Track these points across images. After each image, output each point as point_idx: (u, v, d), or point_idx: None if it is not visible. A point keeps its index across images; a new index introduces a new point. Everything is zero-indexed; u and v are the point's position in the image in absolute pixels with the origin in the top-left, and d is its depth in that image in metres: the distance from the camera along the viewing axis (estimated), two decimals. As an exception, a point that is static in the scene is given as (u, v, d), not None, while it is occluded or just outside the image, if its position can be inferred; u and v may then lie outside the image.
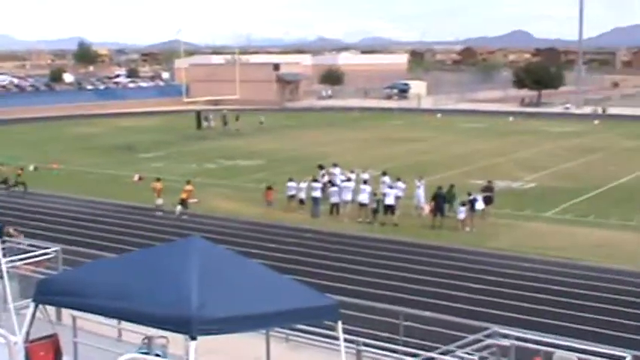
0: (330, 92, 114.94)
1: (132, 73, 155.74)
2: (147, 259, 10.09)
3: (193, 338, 8.33)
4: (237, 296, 9.17)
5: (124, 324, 12.53)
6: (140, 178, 41.40)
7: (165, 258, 9.83)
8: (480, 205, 30.95)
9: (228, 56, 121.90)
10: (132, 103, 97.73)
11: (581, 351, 11.95)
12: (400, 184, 33.36)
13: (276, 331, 13.37)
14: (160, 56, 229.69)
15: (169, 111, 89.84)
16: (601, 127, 72.51)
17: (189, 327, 8.44)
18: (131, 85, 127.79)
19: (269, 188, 34.25)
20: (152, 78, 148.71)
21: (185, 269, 9.27)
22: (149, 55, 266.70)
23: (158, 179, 35.40)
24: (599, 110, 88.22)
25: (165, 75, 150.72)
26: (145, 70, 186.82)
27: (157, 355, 10.63)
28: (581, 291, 22.25)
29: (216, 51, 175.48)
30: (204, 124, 71.72)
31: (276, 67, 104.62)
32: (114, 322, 12.42)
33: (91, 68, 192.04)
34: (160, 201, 33.97)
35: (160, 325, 8.87)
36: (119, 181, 41.43)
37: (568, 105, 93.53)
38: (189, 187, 33.75)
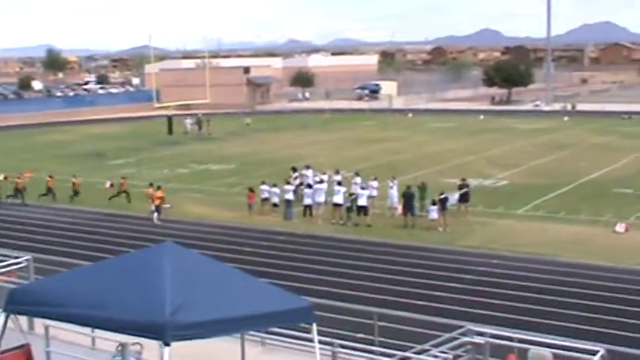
0: (307, 94, 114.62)
1: (102, 80, 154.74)
2: (120, 267, 10.06)
3: (167, 344, 8.29)
4: (211, 301, 9.16)
5: (98, 332, 12.43)
6: (112, 185, 41.05)
7: (138, 264, 9.79)
8: (452, 201, 31.19)
9: (199, 60, 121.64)
10: (102, 109, 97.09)
11: (555, 346, 12.04)
12: (374, 183, 33.46)
13: (252, 335, 13.33)
14: (130, 62, 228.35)
15: (140, 117, 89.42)
16: (571, 123, 73.21)
17: (162, 333, 8.41)
18: (101, 91, 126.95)
19: (251, 191, 34.07)
20: (122, 84, 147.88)
21: (158, 275, 9.24)
22: (119, 61, 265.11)
23: (151, 185, 35.20)
24: (569, 107, 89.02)
25: (136, 81, 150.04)
26: (115, 76, 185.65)
27: (131, 363, 10.59)
28: (554, 287, 22.42)
29: (187, 55, 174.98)
30: (189, 127, 71.58)
31: (247, 70, 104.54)
32: (87, 330, 12.31)
33: (60, 75, 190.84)
34: (154, 207, 33.83)
35: (133, 331, 8.83)
36: (91, 189, 41.04)
37: (538, 102, 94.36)
38: (159, 194, 33.59)
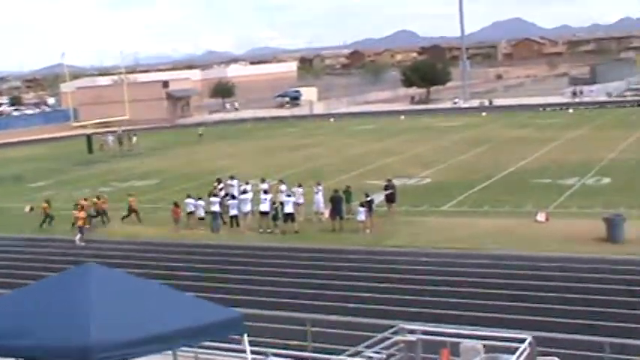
0: (237, 105, 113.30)
1: (15, 101, 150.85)
2: (40, 292, 9.83)
3: (95, 367, 8.12)
4: (138, 319, 9.02)
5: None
6: (32, 209, 40.09)
7: (60, 288, 9.59)
8: (377, 200, 31.54)
9: (115, 77, 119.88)
10: (17, 132, 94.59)
11: (485, 337, 12.24)
12: (299, 189, 33.46)
13: (184, 351, 13.14)
14: (44, 82, 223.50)
15: (58, 137, 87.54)
16: (489, 118, 74.86)
17: (89, 356, 8.24)
18: (15, 113, 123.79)
19: (176, 205, 33.61)
20: (37, 104, 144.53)
21: (81, 297, 9.06)
22: (33, 81, 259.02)
23: (75, 205, 34.26)
24: (486, 102, 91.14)
25: (51, 100, 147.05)
26: (29, 97, 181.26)
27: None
28: (481, 279, 22.80)
29: (103, 72, 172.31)
30: (111, 144, 70.53)
31: (165, 84, 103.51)
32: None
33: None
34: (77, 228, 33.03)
35: (60, 358, 8.62)
36: (9, 214, 40.02)
37: (456, 100, 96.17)
38: (82, 214, 32.83)
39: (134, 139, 70.76)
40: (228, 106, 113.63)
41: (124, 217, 35.57)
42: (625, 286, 21.13)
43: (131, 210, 35.51)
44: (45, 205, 36.11)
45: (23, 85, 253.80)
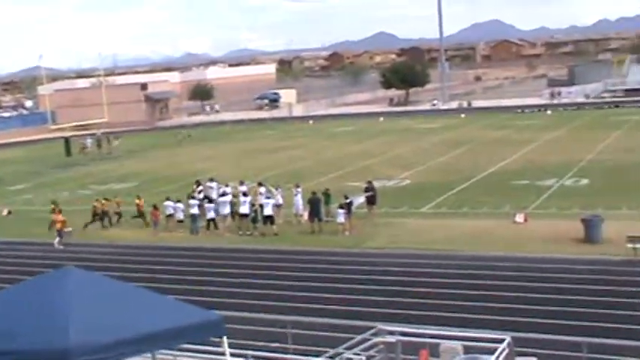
0: (217, 107, 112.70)
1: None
2: (17, 295, 9.80)
3: (74, 371, 8.10)
4: (117, 321, 9.01)
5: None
6: (9, 212, 39.82)
7: (37, 291, 9.55)
8: (356, 203, 31.57)
9: (94, 79, 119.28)
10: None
11: (464, 338, 12.31)
12: (278, 191, 33.42)
13: (163, 353, 13.10)
14: (22, 84, 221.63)
15: (36, 140, 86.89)
16: (468, 120, 75.15)
17: (68, 359, 8.22)
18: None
19: (155, 208, 33.42)
20: (14, 107, 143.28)
21: (59, 300, 9.03)
22: (10, 84, 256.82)
23: (53, 209, 33.89)
24: (465, 104, 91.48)
25: (29, 103, 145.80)
26: (7, 99, 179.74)
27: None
28: (459, 280, 22.89)
29: (81, 74, 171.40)
30: (89, 147, 70.23)
31: (144, 86, 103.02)
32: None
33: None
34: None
35: (38, 361, 8.58)
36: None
37: (435, 101, 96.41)
38: (60, 217, 32.63)
39: (115, 142, 70.36)
40: (207, 108, 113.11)
41: (138, 218, 34.98)
42: (602, 286, 21.31)
43: (140, 212, 34.93)
44: (53, 208, 35.81)
45: (0, 88, 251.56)
